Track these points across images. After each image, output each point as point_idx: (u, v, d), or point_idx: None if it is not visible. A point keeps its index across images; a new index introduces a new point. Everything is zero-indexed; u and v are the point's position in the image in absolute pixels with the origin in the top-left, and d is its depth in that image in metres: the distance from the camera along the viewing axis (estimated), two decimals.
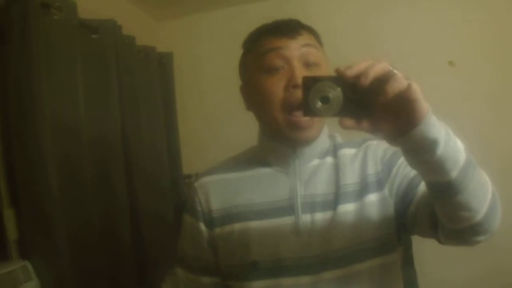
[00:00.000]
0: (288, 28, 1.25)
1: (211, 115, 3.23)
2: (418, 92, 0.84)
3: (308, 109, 0.92)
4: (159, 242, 2.68)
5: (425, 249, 2.40)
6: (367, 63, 0.86)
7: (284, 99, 1.20)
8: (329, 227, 1.22)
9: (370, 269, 1.22)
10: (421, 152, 0.89)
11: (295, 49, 1.22)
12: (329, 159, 1.31)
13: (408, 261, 2.53)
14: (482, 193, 0.98)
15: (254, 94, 1.28)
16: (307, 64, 1.22)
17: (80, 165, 2.09)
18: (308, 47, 1.24)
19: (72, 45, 2.11)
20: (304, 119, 1.18)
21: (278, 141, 1.29)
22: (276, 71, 1.22)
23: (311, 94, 0.91)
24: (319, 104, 0.90)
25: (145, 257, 2.55)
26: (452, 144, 0.90)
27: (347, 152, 1.32)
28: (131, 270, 2.42)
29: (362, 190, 1.25)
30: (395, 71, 0.86)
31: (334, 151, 1.33)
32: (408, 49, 2.85)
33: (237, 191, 1.31)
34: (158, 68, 3.05)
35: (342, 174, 1.27)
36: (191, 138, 3.27)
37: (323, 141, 1.32)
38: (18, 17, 1.82)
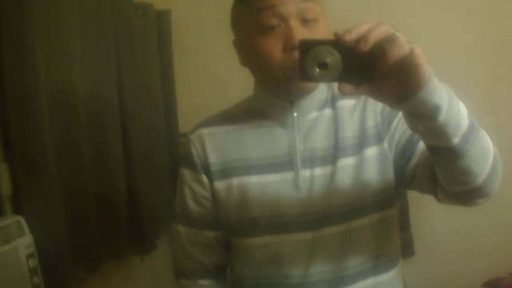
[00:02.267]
0: None
1: (209, 75, 3.19)
2: (421, 56, 0.83)
3: (305, 75, 0.90)
4: (154, 199, 2.70)
5: (422, 214, 2.43)
6: (367, 26, 0.84)
7: (283, 60, 1.17)
8: (328, 182, 1.22)
9: (370, 224, 1.24)
10: (423, 117, 0.88)
11: (292, 5, 1.17)
12: (327, 111, 1.29)
13: (404, 225, 2.55)
14: (483, 158, 0.98)
15: (249, 53, 1.25)
16: (305, 20, 1.18)
17: (75, 120, 2.07)
18: (305, 3, 1.18)
19: (67, 2, 2.05)
20: None
21: (275, 94, 1.26)
22: (272, 30, 1.18)
23: (308, 59, 0.89)
24: (317, 70, 0.88)
25: (140, 214, 2.55)
26: (455, 109, 0.89)
27: (346, 103, 1.30)
28: (125, 226, 2.42)
29: (362, 143, 1.25)
30: (397, 34, 0.84)
31: (332, 101, 1.30)
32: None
33: (234, 145, 1.30)
34: (156, 25, 2.99)
35: (341, 127, 1.26)
36: (188, 98, 3.23)
37: (320, 92, 1.30)
38: None
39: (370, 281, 1.26)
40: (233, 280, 1.43)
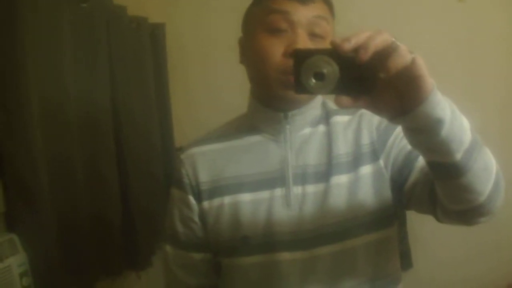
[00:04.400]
0: None
1: (204, 88, 3.18)
2: (423, 67, 0.79)
3: (300, 86, 0.85)
4: (149, 215, 2.67)
5: (421, 225, 2.41)
6: (366, 34, 0.79)
7: (280, 64, 1.16)
8: (321, 200, 1.19)
9: (366, 245, 1.19)
10: (425, 132, 0.84)
11: (304, 16, 1.16)
12: (321, 127, 1.26)
13: (401, 237, 2.53)
14: (486, 175, 0.94)
15: (251, 50, 1.24)
16: (313, 35, 1.17)
17: (67, 138, 2.05)
18: (318, 18, 1.18)
19: (60, 14, 2.04)
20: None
21: (268, 105, 1.24)
22: (279, 33, 1.17)
23: (303, 70, 0.84)
24: (313, 81, 0.84)
25: (135, 230, 2.54)
26: (457, 123, 0.85)
27: (340, 119, 1.27)
28: (120, 242, 2.40)
29: (356, 161, 1.21)
30: (398, 43, 0.79)
31: (326, 118, 1.28)
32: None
33: (225, 162, 1.27)
34: (150, 39, 2.98)
35: (334, 144, 1.23)
36: (184, 111, 3.22)
37: (315, 108, 1.27)
38: None
39: None
40: None
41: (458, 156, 0.87)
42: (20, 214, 1.80)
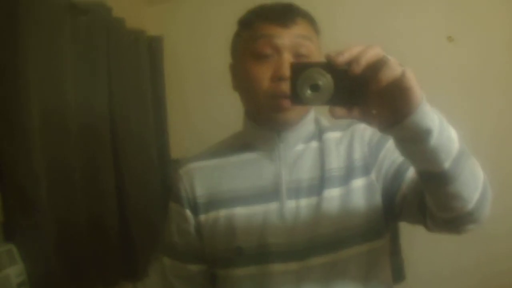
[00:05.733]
0: (284, 14, 1.22)
1: (201, 102, 3.21)
2: (413, 79, 0.83)
3: (296, 97, 0.89)
4: (145, 227, 2.68)
5: (413, 238, 2.43)
6: (359, 48, 0.84)
7: (269, 89, 1.20)
8: (314, 212, 1.22)
9: (357, 255, 1.22)
10: (414, 141, 0.88)
11: (287, 39, 1.20)
12: (314, 144, 1.30)
13: (395, 250, 2.55)
14: (473, 183, 0.98)
15: (241, 77, 1.28)
16: (298, 55, 1.21)
17: (66, 148, 2.07)
18: (301, 39, 1.22)
19: (60, 27, 2.07)
20: (286, 101, 1.16)
21: (261, 124, 1.28)
22: (265, 59, 1.21)
23: (299, 82, 0.88)
24: (309, 92, 0.88)
25: (132, 240, 2.55)
26: (445, 134, 0.89)
27: (332, 135, 1.31)
28: (117, 253, 2.41)
29: (348, 174, 1.25)
30: (388, 57, 0.84)
31: (319, 135, 1.32)
32: (406, 25, 2.85)
33: (221, 177, 1.31)
34: (148, 52, 3.01)
35: (327, 159, 1.26)
36: (180, 123, 3.25)
37: (307, 125, 1.31)
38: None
39: None
40: None
41: (447, 164, 0.91)
42: (19, 224, 1.81)
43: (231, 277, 1.29)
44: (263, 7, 1.28)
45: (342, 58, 0.84)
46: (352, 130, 1.32)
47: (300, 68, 0.89)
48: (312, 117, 1.34)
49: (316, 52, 1.25)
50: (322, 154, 1.28)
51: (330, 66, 0.86)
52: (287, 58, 1.19)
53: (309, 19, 1.28)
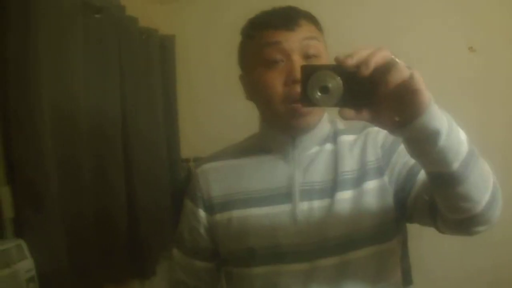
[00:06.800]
0: (287, 18, 1.23)
1: (212, 101, 3.22)
2: (421, 82, 0.83)
3: (306, 99, 0.90)
4: (154, 226, 2.70)
5: (421, 243, 2.43)
6: (368, 51, 0.85)
7: (284, 94, 1.21)
8: (326, 214, 1.23)
9: (367, 257, 1.23)
10: (423, 143, 0.89)
11: (295, 42, 1.21)
12: (328, 146, 1.31)
13: (402, 254, 2.54)
14: (483, 184, 0.98)
15: (253, 86, 1.29)
16: (307, 56, 1.22)
17: (77, 144, 2.09)
18: (308, 40, 1.23)
19: (74, 24, 2.08)
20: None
21: (277, 129, 1.29)
22: (276, 65, 1.22)
23: (310, 84, 0.89)
24: (318, 94, 0.89)
25: (140, 238, 2.56)
26: (454, 135, 0.90)
27: (347, 138, 1.32)
28: (126, 250, 2.43)
29: (361, 177, 1.25)
30: (396, 60, 0.85)
31: (334, 137, 1.32)
32: (428, 35, 2.85)
33: (237, 178, 1.33)
34: (160, 51, 3.02)
35: (340, 161, 1.27)
36: (191, 123, 3.26)
37: (323, 128, 1.32)
38: None
39: None
40: None
41: (455, 166, 0.91)
42: (29, 220, 1.83)
43: (243, 276, 1.31)
44: (264, 14, 1.29)
45: (351, 61, 0.84)
46: (366, 133, 1.32)
47: (310, 70, 0.90)
48: (326, 119, 1.35)
49: (324, 51, 1.27)
50: (336, 156, 1.29)
51: (339, 68, 0.87)
52: (298, 61, 1.19)
53: (312, 20, 1.29)
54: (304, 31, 1.23)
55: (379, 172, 1.26)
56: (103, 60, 2.33)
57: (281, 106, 1.22)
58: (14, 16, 1.78)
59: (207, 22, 3.20)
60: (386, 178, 1.25)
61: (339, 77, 0.88)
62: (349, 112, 0.90)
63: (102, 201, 2.26)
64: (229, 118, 2.98)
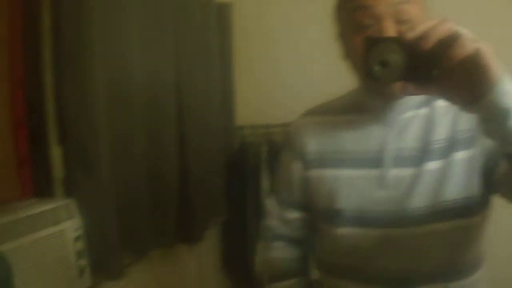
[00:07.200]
0: None
1: (267, 69, 3.20)
2: (489, 57, 0.81)
3: (368, 72, 0.89)
4: (205, 190, 2.72)
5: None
6: (430, 23, 0.83)
7: None
8: (413, 183, 1.22)
9: (450, 230, 1.21)
10: (492, 121, 0.86)
11: (387, 6, 1.15)
12: (423, 110, 1.27)
13: None
14: None
15: (345, 49, 1.27)
16: (400, 22, 1.15)
17: (130, 108, 2.12)
18: (401, 5, 1.16)
19: None
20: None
21: (372, 91, 1.27)
22: (366, 29, 1.16)
23: (371, 57, 0.88)
24: (379, 67, 0.88)
25: (190, 204, 2.60)
26: None
27: (443, 103, 1.25)
28: (175, 215, 2.47)
29: (452, 146, 1.22)
30: (461, 32, 0.81)
31: (430, 101, 1.28)
32: None
33: (332, 137, 1.34)
34: (217, 18, 3.02)
35: (433, 129, 1.24)
36: (246, 91, 3.27)
37: None
38: None
39: (441, 286, 1.25)
40: (316, 264, 1.48)
41: None
42: (79, 180, 1.87)
43: (329, 234, 1.33)
44: None
45: (413, 33, 0.83)
46: None
47: (373, 43, 0.89)
48: None
49: (421, 15, 1.20)
50: (429, 122, 1.26)
51: (402, 40, 0.86)
52: (388, 26, 1.14)
53: None
54: None
55: (471, 142, 1.21)
56: (158, 27, 2.34)
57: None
58: None
59: None
60: (477, 149, 1.21)
61: (401, 51, 0.86)
62: (411, 87, 0.90)
63: (153, 166, 2.30)
64: (285, 85, 2.96)
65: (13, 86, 1.83)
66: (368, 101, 1.30)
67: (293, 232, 1.47)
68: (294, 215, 1.44)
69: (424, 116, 1.26)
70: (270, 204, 1.50)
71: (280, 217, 1.46)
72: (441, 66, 0.84)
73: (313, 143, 1.35)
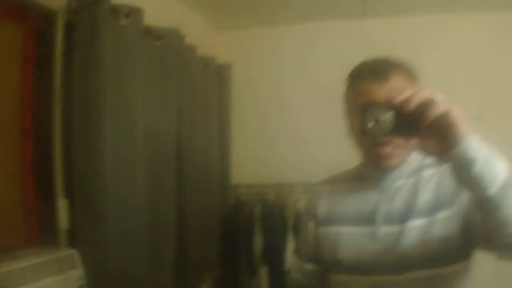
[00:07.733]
0: (378, 71, 1.36)
1: (263, 130, 3.29)
2: (458, 116, 1.00)
3: (364, 129, 1.09)
4: (202, 246, 2.78)
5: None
6: (412, 91, 1.05)
7: (370, 141, 1.34)
8: (399, 238, 1.38)
9: (433, 276, 1.34)
10: (461, 169, 1.03)
11: (382, 93, 1.31)
12: (412, 179, 1.44)
13: None
14: None
15: (348, 127, 1.45)
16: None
17: (134, 164, 2.20)
18: (396, 91, 1.30)
19: (136, 51, 2.21)
20: (387, 151, 1.33)
21: (370, 165, 1.46)
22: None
23: (366, 117, 1.09)
24: (372, 124, 1.08)
25: (186, 258, 2.64)
26: (491, 164, 1.02)
27: (428, 172, 1.44)
28: (172, 268, 2.51)
29: (435, 207, 1.38)
30: (437, 98, 1.02)
31: (418, 171, 1.45)
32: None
33: (337, 200, 1.54)
34: (216, 79, 3.14)
35: (419, 193, 1.41)
36: (242, 151, 3.36)
37: (409, 164, 1.45)
38: (88, 20, 1.92)
39: None
40: None
41: (492, 191, 1.02)
42: (84, 232, 1.94)
43: (332, 280, 1.50)
44: (362, 65, 1.44)
45: (399, 98, 1.04)
46: (445, 167, 1.41)
47: (367, 106, 1.10)
48: (416, 157, 1.46)
49: (407, 85, 1.37)
50: (416, 188, 1.43)
51: (391, 105, 1.07)
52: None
53: (405, 70, 1.41)
54: (393, 82, 1.34)
55: (451, 202, 1.36)
56: (163, 86, 2.45)
57: (368, 151, 1.38)
58: (84, 38, 1.92)
59: (263, 53, 3.29)
60: (457, 208, 1.35)
61: (390, 112, 1.07)
62: (399, 140, 1.18)
63: (154, 220, 2.36)
64: (277, 149, 3.04)
65: (22, 136, 1.93)
66: (368, 172, 1.48)
67: (310, 282, 1.61)
68: (310, 267, 1.59)
69: (412, 183, 1.44)
70: (293, 259, 1.68)
71: (300, 269, 1.63)
72: (421, 124, 1.04)
73: (323, 206, 1.55)
